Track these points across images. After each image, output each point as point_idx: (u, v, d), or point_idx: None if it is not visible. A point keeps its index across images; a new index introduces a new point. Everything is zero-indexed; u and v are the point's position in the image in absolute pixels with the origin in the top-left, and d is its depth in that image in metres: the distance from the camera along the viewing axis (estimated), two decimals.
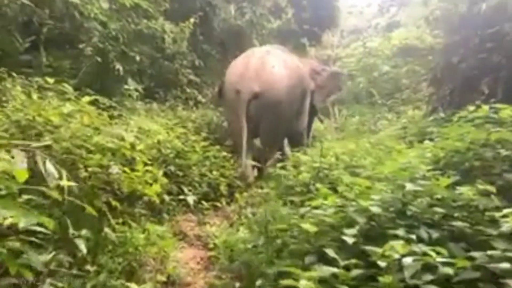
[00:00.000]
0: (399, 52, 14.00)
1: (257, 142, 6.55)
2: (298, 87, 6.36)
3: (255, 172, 6.03)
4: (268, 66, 6.01)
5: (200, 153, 5.57)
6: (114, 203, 3.46)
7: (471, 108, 4.20)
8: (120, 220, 3.64)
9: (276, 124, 6.15)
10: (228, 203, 5.42)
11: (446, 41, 6.58)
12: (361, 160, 4.94)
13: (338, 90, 8.17)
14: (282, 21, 13.79)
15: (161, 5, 7.60)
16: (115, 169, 3.20)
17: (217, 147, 6.22)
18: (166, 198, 4.42)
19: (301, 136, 6.96)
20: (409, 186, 2.78)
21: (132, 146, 3.51)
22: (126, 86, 5.99)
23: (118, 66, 6.81)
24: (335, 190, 3.85)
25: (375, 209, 2.81)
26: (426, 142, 4.44)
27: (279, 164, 5.49)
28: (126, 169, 3.29)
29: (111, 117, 5.43)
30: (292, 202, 3.97)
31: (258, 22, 12.33)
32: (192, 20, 7.92)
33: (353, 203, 3.02)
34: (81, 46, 6.60)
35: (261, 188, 5.37)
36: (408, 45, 13.75)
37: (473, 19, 6.12)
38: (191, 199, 4.55)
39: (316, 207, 3.23)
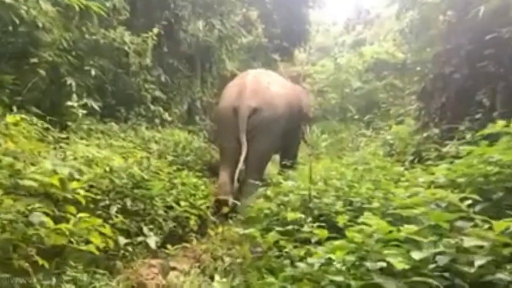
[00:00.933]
0: (371, 67, 13.39)
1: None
2: (295, 106, 6.29)
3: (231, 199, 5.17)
4: (263, 84, 5.98)
5: (166, 181, 4.56)
6: (41, 260, 2.43)
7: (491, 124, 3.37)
8: (53, 281, 2.60)
9: (270, 143, 5.86)
10: (199, 240, 4.43)
11: (435, 51, 5.84)
12: (354, 185, 4.05)
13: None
14: (252, 36, 13.00)
15: (121, 13, 6.60)
16: (36, 216, 2.20)
17: (186, 172, 5.23)
18: (121, 241, 3.40)
19: (294, 158, 6.73)
20: (468, 241, 1.88)
21: (63, 183, 2.50)
22: (69, 103, 4.92)
23: (71, 81, 5.77)
24: (334, 229, 2.96)
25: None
26: (443, 165, 3.54)
27: (260, 190, 4.59)
28: (49, 219, 2.27)
29: (57, 141, 4.42)
30: (280, 246, 3.03)
31: (228, 37, 11.54)
32: (155, 30, 6.93)
33: (373, 256, 2.11)
34: (32, 60, 5.53)
35: (239, 221, 4.43)
36: (379, 59, 13.15)
37: (465, 25, 5.42)
38: (152, 241, 3.54)
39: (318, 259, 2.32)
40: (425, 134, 5.29)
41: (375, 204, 3.33)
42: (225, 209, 5.03)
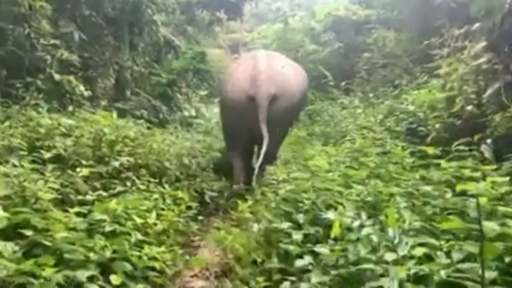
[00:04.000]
0: (329, 26, 11.16)
1: None
2: (303, 88, 5.38)
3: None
4: (277, 67, 5.06)
5: (65, 224, 1.97)
6: None
7: None
8: None
9: (285, 131, 5.18)
10: None
11: None
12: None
13: None
14: None
15: None
16: None
17: (120, 192, 2.66)
18: None
19: (282, 141, 5.45)
20: None
21: None
22: None
23: None
24: None
25: None
26: None
27: None
28: None
29: None
30: None
31: None
32: None
33: None
34: None
35: None
36: (340, 17, 10.91)
37: None
38: None
39: None
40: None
41: None
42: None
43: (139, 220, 2.35)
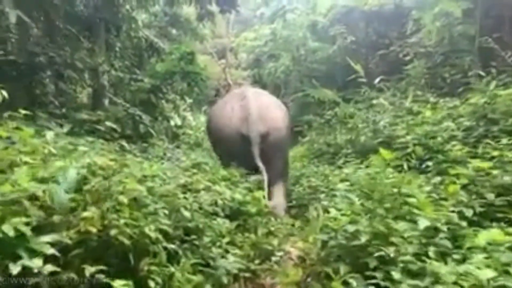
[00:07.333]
0: (338, 18, 9.33)
1: None
2: (287, 122, 5.47)
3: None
4: (264, 106, 5.23)
5: None
6: None
7: None
8: None
9: (285, 157, 5.42)
10: None
11: None
12: None
13: None
14: None
15: None
16: None
17: None
18: None
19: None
20: None
21: None
22: None
23: None
24: None
25: None
26: None
27: None
28: None
29: None
30: None
31: None
32: None
33: None
34: None
35: None
36: (350, 8, 9.10)
37: None
38: None
39: None
40: None
41: None
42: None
43: None
